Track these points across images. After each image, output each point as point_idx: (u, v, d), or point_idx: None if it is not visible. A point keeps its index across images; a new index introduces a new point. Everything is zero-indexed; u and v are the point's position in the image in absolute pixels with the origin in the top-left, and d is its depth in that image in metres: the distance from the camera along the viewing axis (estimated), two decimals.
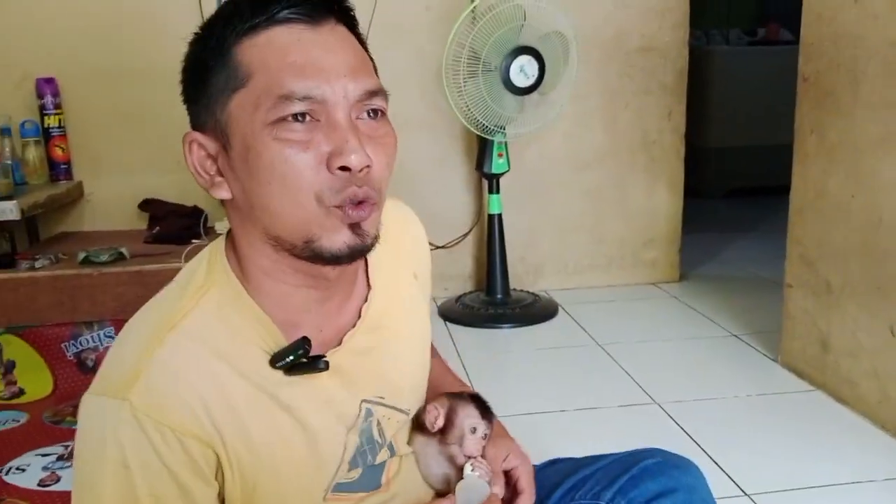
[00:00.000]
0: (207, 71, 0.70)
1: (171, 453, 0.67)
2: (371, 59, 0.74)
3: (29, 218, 2.50)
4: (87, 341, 2.22)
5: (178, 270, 0.80)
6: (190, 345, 0.70)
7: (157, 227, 2.56)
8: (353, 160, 0.66)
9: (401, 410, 0.85)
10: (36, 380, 2.18)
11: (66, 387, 2.18)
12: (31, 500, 1.65)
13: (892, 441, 1.82)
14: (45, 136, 2.61)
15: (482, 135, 2.62)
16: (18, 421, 2.02)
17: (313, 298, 0.76)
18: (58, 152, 2.63)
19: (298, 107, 0.66)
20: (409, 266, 0.91)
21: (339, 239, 0.69)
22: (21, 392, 2.16)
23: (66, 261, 2.27)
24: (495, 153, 2.68)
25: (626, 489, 0.89)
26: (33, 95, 2.59)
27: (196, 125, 0.73)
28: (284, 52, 0.66)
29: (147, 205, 2.70)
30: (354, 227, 0.69)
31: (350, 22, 0.73)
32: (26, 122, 2.58)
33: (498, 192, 2.74)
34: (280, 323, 0.74)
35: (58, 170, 2.64)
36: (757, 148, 4.36)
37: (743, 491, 1.62)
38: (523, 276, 3.02)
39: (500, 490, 0.84)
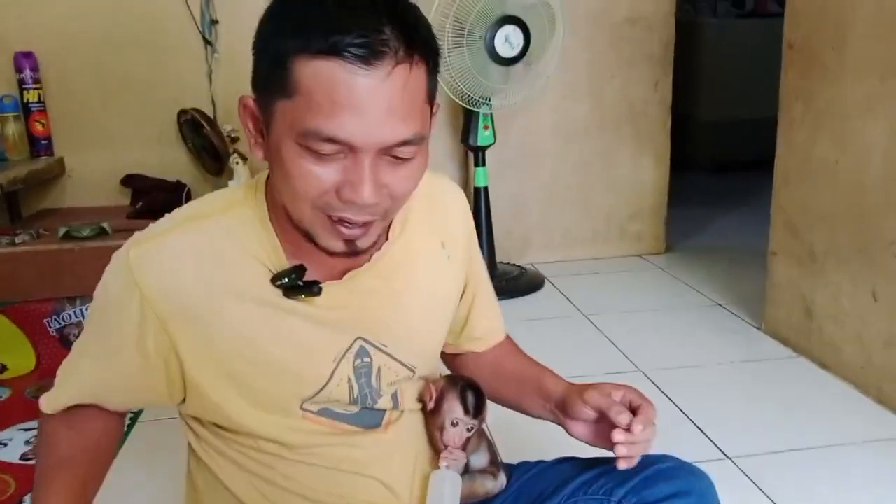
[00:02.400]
0: (266, 60, 0.72)
1: (129, 309, 0.79)
2: (430, 96, 0.74)
3: (9, 194, 2.47)
4: (70, 316, 2.21)
5: None
6: (204, 238, 0.80)
7: (140, 202, 2.53)
8: (364, 199, 0.71)
9: (404, 365, 0.89)
10: (19, 356, 2.17)
11: (49, 362, 2.17)
12: (13, 473, 1.65)
13: (875, 405, 1.83)
14: (25, 111, 2.57)
15: (467, 107, 2.60)
16: (1, 397, 2.01)
17: None
18: (38, 127, 2.60)
19: (325, 147, 0.69)
20: (436, 233, 0.93)
21: (333, 244, 0.76)
22: (3, 368, 2.15)
23: (47, 236, 2.25)
24: (481, 125, 2.66)
25: (639, 488, 0.89)
26: (11, 70, 2.55)
27: (252, 86, 0.76)
28: (331, 90, 0.67)
29: (129, 180, 2.67)
30: (348, 241, 0.76)
31: (418, 56, 0.70)
32: (5, 97, 2.55)
33: (484, 164, 2.73)
34: (290, 255, 0.81)
35: (38, 145, 2.61)
36: (746, 121, 4.33)
37: (725, 454, 1.63)
38: (510, 250, 3.01)
39: (626, 417, 0.84)
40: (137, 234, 0.83)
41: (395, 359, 0.88)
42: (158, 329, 0.79)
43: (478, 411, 0.91)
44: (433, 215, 0.93)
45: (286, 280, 0.79)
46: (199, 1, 2.62)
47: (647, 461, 0.94)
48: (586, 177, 3.04)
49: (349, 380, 0.84)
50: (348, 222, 0.74)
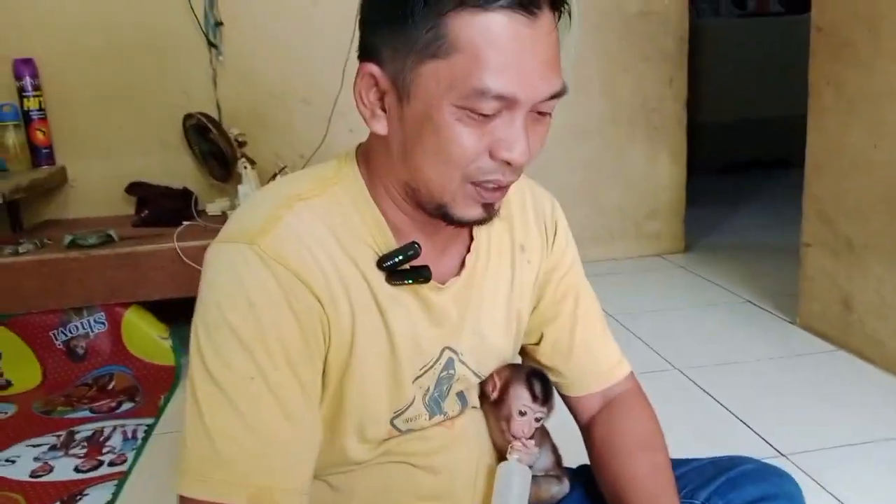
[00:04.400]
0: (411, 21, 0.66)
1: (296, 297, 0.69)
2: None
3: (11, 205, 2.38)
4: (77, 328, 2.11)
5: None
6: (314, 219, 0.72)
7: (146, 211, 2.45)
8: (518, 158, 0.68)
9: (476, 374, 0.85)
10: (23, 370, 2.07)
11: (55, 376, 2.07)
12: (22, 491, 1.55)
13: None
14: (25, 119, 2.48)
15: None
16: (6, 413, 1.91)
17: (424, 227, 0.77)
18: (39, 136, 2.51)
19: (490, 105, 0.65)
20: (518, 236, 0.88)
21: (470, 212, 0.72)
22: (8, 384, 2.05)
23: (51, 245, 2.16)
24: None
25: (724, 490, 0.85)
26: (11, 77, 2.47)
27: (372, 53, 0.70)
28: (497, 44, 0.64)
29: (134, 188, 2.59)
30: (487, 205, 0.72)
31: (559, 7, 0.70)
32: (4, 105, 2.46)
33: None
34: (396, 236, 0.76)
35: (40, 155, 2.52)
36: (747, 122, 4.30)
37: (779, 452, 1.55)
38: None
39: None
40: (227, 235, 0.71)
41: (469, 367, 0.83)
42: (321, 314, 0.71)
43: (546, 398, 0.86)
44: (515, 218, 0.87)
45: (398, 259, 0.73)
46: (203, 3, 2.55)
47: (729, 463, 0.89)
48: (600, 174, 2.97)
49: (428, 389, 0.80)
50: (493, 184, 0.70)
